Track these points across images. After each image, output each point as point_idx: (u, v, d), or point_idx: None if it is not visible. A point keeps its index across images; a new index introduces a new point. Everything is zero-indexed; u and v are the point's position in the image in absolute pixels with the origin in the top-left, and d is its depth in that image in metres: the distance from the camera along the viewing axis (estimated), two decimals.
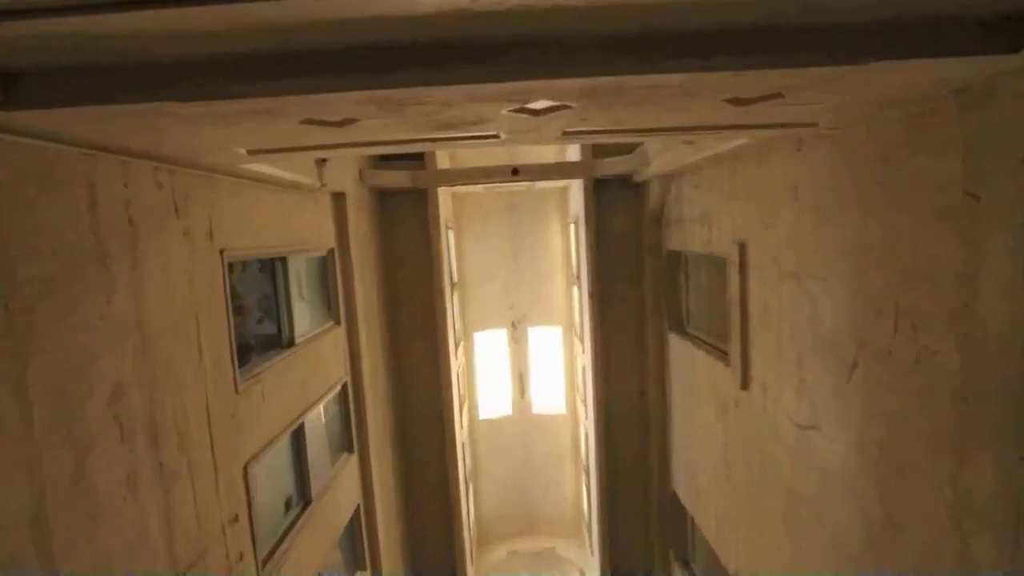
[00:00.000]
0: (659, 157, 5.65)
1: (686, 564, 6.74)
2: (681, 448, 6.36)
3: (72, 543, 2.05)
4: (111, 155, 2.29)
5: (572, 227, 9.62)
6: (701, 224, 5.15)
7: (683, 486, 6.37)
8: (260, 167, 3.41)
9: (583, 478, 10.22)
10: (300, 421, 4.46)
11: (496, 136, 2.60)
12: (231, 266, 3.62)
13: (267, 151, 2.82)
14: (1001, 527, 1.91)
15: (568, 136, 2.77)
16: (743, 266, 4.16)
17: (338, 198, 5.56)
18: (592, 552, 9.20)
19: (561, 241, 10.72)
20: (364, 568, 6.11)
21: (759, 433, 4.09)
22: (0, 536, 1.77)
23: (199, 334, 3.00)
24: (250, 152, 2.75)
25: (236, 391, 3.38)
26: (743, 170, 4.12)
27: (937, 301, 2.14)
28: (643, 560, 7.96)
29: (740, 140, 3.40)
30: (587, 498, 9.56)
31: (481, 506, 11.07)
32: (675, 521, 6.91)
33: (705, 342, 5.56)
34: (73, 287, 2.11)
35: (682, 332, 6.26)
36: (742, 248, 4.15)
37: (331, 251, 5.46)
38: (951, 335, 2.06)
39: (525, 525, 11.46)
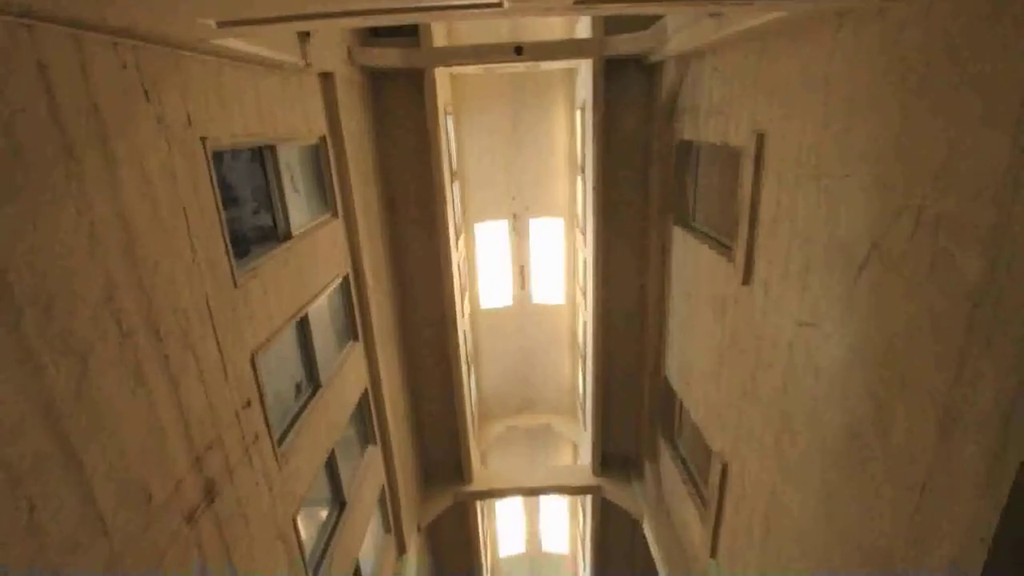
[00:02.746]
0: (679, 34, 5.12)
1: (672, 442, 7.26)
2: (676, 339, 6.54)
3: (90, 436, 2.14)
4: (58, 27, 2.03)
5: (579, 113, 9.07)
6: (718, 112, 4.80)
7: (675, 374, 6.65)
8: (235, 43, 3.08)
9: (579, 364, 10.72)
10: (303, 312, 4.52)
11: (499, 5, 2.29)
12: (218, 157, 3.42)
13: (239, 22, 2.51)
14: (986, 437, 1.96)
15: (581, 5, 2.44)
16: (759, 159, 3.93)
17: (326, 80, 5.15)
18: (585, 428, 9.92)
19: (566, 128, 10.18)
20: (375, 443, 6.60)
21: (755, 330, 4.15)
22: (21, 439, 1.83)
23: (189, 229, 2.90)
24: (220, 24, 2.45)
25: (235, 285, 3.36)
26: (770, 54, 3.73)
27: (968, 207, 2.01)
28: (632, 436, 8.59)
29: (774, 13, 3.03)
30: (582, 381, 10.09)
31: (482, 387, 11.75)
32: (665, 404, 7.33)
33: (710, 237, 5.47)
34: (40, 186, 1.98)
35: (687, 226, 6.15)
36: (760, 140, 3.89)
37: (323, 139, 5.17)
38: (977, 241, 1.96)
39: (523, 404, 12.25)
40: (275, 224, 4.32)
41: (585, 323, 9.17)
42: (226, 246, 3.28)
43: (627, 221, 7.44)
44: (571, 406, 11.92)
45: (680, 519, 6.84)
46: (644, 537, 7.79)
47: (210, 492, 2.99)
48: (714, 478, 5.17)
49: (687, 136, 5.78)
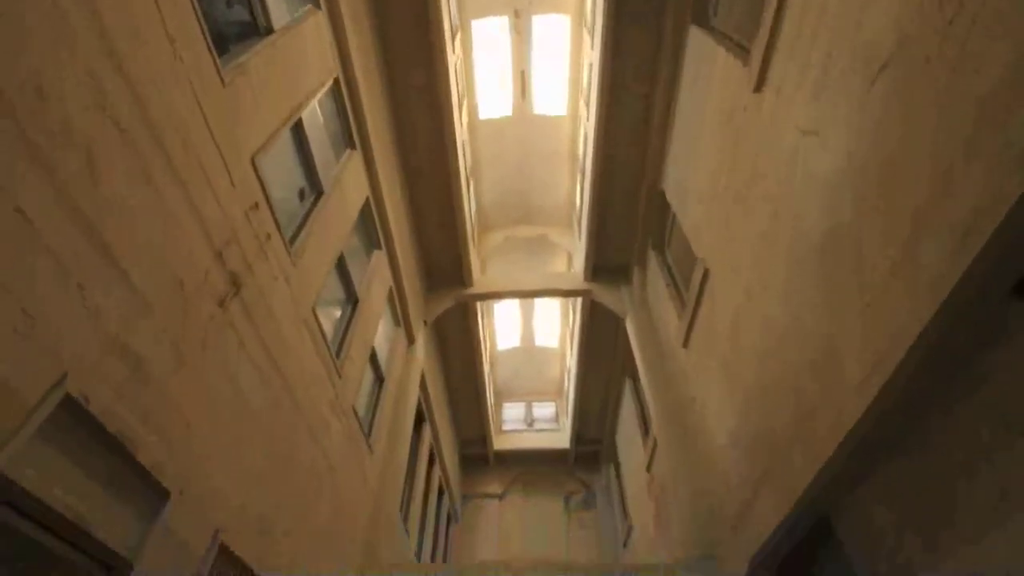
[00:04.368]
0: None
1: (660, 250, 7.68)
2: (678, 151, 6.47)
3: (114, 229, 2.30)
4: None
5: None
6: None
7: (672, 186, 6.74)
8: None
9: (578, 177, 10.71)
10: (297, 116, 4.41)
11: None
12: None
13: None
14: (944, 250, 2.12)
15: None
16: None
17: None
18: (579, 238, 10.36)
19: None
20: (380, 248, 6.98)
21: (758, 139, 4.12)
22: (54, 231, 1.98)
23: (164, 24, 2.70)
24: None
25: (223, 83, 3.24)
26: None
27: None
28: (624, 247, 9.03)
29: None
30: (580, 194, 10.20)
31: (481, 199, 11.89)
32: (658, 215, 7.57)
33: (727, 37, 5.07)
34: None
35: (705, 25, 5.64)
36: None
37: None
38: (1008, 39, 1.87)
39: (521, 216, 12.56)
40: (253, 16, 3.96)
41: (586, 135, 8.93)
42: (206, 40, 3.07)
43: (640, 17, 6.74)
44: (567, 218, 12.22)
45: (659, 317, 7.58)
46: (626, 334, 8.72)
47: (235, 283, 3.31)
48: (695, 280, 5.61)
49: None
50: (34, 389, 1.91)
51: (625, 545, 10.58)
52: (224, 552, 3.10)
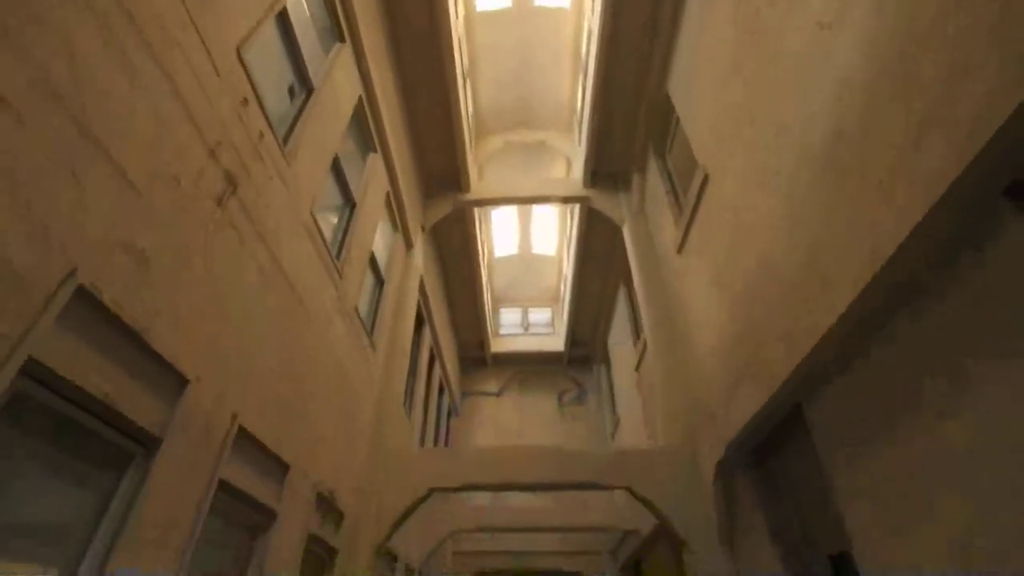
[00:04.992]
0: None
1: (662, 155, 7.53)
2: (686, 50, 6.14)
3: (103, 121, 2.27)
4: None
5: None
6: None
7: (678, 87, 6.47)
8: None
9: (580, 77, 10.20)
10: (282, 4, 4.13)
11: None
12: None
13: None
14: (955, 134, 2.12)
15: None
16: None
17: None
18: (579, 143, 10.09)
19: None
20: (375, 151, 6.83)
21: (771, 38, 3.91)
22: (44, 127, 1.96)
23: None
24: None
25: None
26: None
27: None
28: (625, 151, 8.83)
29: None
30: (581, 95, 9.78)
31: (479, 102, 11.40)
32: (662, 118, 7.34)
33: None
34: None
35: None
36: None
37: None
38: None
39: (520, 120, 12.11)
40: None
41: (590, 31, 8.39)
42: None
43: None
44: (568, 123, 11.81)
45: (656, 224, 7.61)
46: (623, 241, 8.78)
47: (231, 182, 3.30)
48: (694, 186, 5.58)
49: None
50: (47, 280, 2.00)
51: (613, 437, 11.41)
52: (243, 433, 3.37)
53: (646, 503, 5.47)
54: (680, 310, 6.40)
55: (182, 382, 2.82)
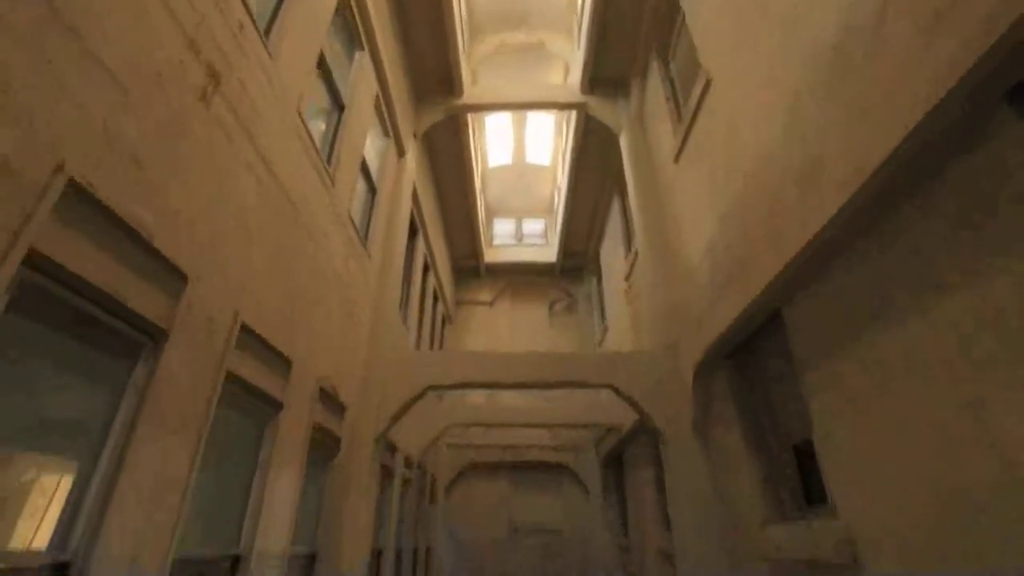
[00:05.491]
0: None
1: (664, 60, 7.20)
2: None
3: (76, 10, 2.16)
4: None
5: None
6: None
7: None
8: None
9: None
10: None
11: None
12: None
13: None
14: (968, 30, 2.07)
15: None
16: None
17: None
18: (579, 46, 9.56)
19: None
20: (362, 48, 6.48)
21: None
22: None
23: None
24: None
25: None
26: None
27: None
28: (625, 57, 8.41)
29: None
30: None
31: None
32: (666, 18, 6.93)
33: None
34: None
35: None
36: None
37: None
38: None
39: (517, 20, 11.35)
40: None
41: None
42: None
43: None
44: (568, 24, 11.09)
45: (654, 132, 7.45)
46: (619, 151, 8.61)
47: (213, 75, 3.18)
48: (695, 92, 5.41)
49: None
50: (37, 172, 2.01)
51: (600, 344, 11.89)
52: (246, 330, 3.52)
53: (629, 400, 5.85)
54: (673, 219, 6.45)
55: (182, 280, 2.90)
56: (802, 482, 4.21)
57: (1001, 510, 2.17)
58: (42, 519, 2.26)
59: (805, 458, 4.11)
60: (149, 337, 2.72)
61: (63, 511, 2.29)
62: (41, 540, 2.22)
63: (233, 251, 3.41)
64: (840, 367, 3.28)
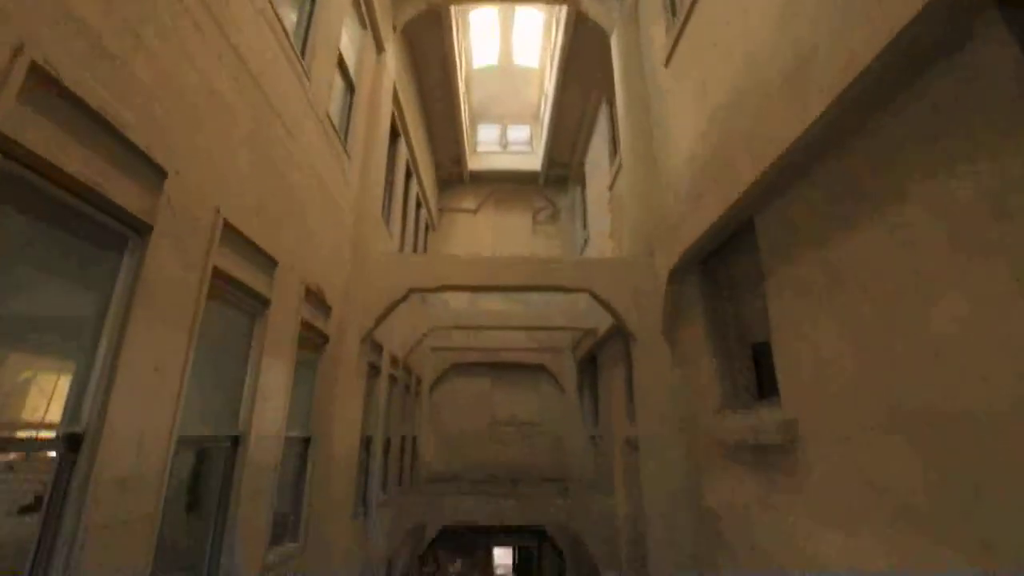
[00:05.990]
0: None
1: None
2: None
3: None
4: None
5: None
6: None
7: None
8: None
9: None
10: None
11: None
12: None
13: None
14: None
15: None
16: None
17: None
18: None
19: None
20: None
21: None
22: None
23: None
24: None
25: None
26: None
27: None
28: None
29: None
30: None
31: None
32: None
33: None
34: None
35: None
36: None
37: None
38: None
39: None
40: None
41: None
42: None
43: None
44: None
45: (647, 33, 7.12)
46: (609, 54, 8.25)
47: None
48: None
49: None
50: None
51: (582, 253, 12.11)
52: (229, 228, 3.57)
53: (604, 304, 6.13)
54: (660, 126, 6.38)
55: (161, 174, 2.90)
56: (757, 379, 4.59)
57: (928, 399, 2.46)
58: (44, 413, 2.43)
59: (762, 358, 4.46)
60: (135, 232, 2.77)
61: (67, 398, 2.46)
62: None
63: (210, 147, 3.37)
64: (800, 272, 3.49)
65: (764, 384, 4.46)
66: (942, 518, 2.33)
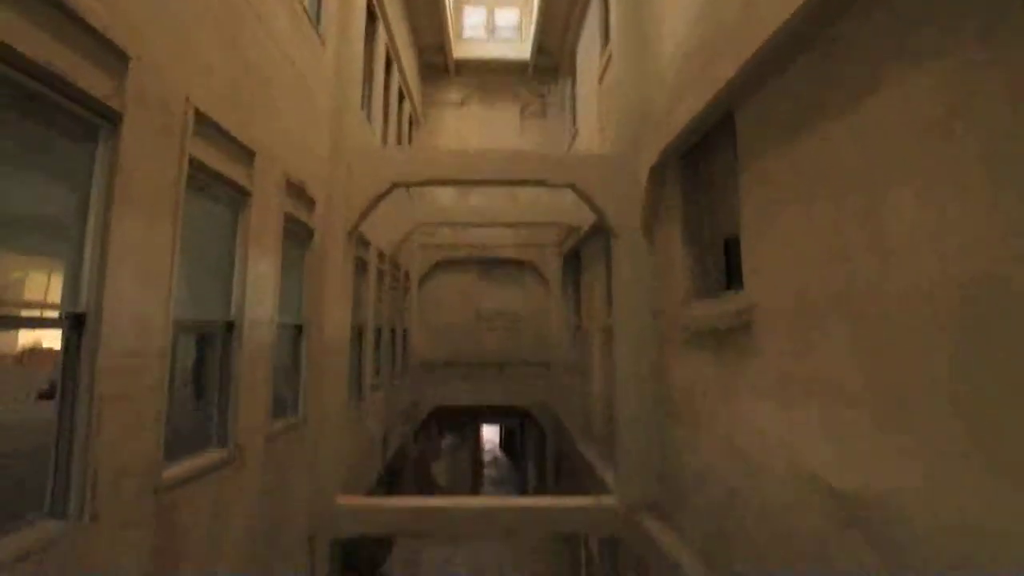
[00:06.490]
0: None
1: None
2: None
3: None
4: None
5: None
6: None
7: None
8: None
9: None
10: None
11: None
12: None
13: None
14: None
15: None
16: None
17: None
18: None
19: None
20: None
21: None
22: None
23: None
24: None
25: None
26: None
27: None
28: None
29: None
30: None
31: None
32: None
33: None
34: None
35: None
36: None
37: None
38: None
39: None
40: None
41: None
42: None
43: None
44: None
45: None
46: None
47: None
48: None
49: None
50: None
51: (570, 148, 11.90)
52: (203, 118, 3.52)
53: (586, 199, 6.20)
54: (651, 19, 6.04)
55: (123, 59, 2.82)
56: (727, 272, 4.83)
57: (870, 280, 2.68)
58: (41, 312, 2.58)
59: (733, 251, 4.66)
60: (107, 120, 2.76)
61: (64, 282, 2.60)
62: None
63: (175, 31, 3.23)
64: (769, 165, 3.57)
65: (733, 277, 4.70)
66: (871, 397, 2.64)
